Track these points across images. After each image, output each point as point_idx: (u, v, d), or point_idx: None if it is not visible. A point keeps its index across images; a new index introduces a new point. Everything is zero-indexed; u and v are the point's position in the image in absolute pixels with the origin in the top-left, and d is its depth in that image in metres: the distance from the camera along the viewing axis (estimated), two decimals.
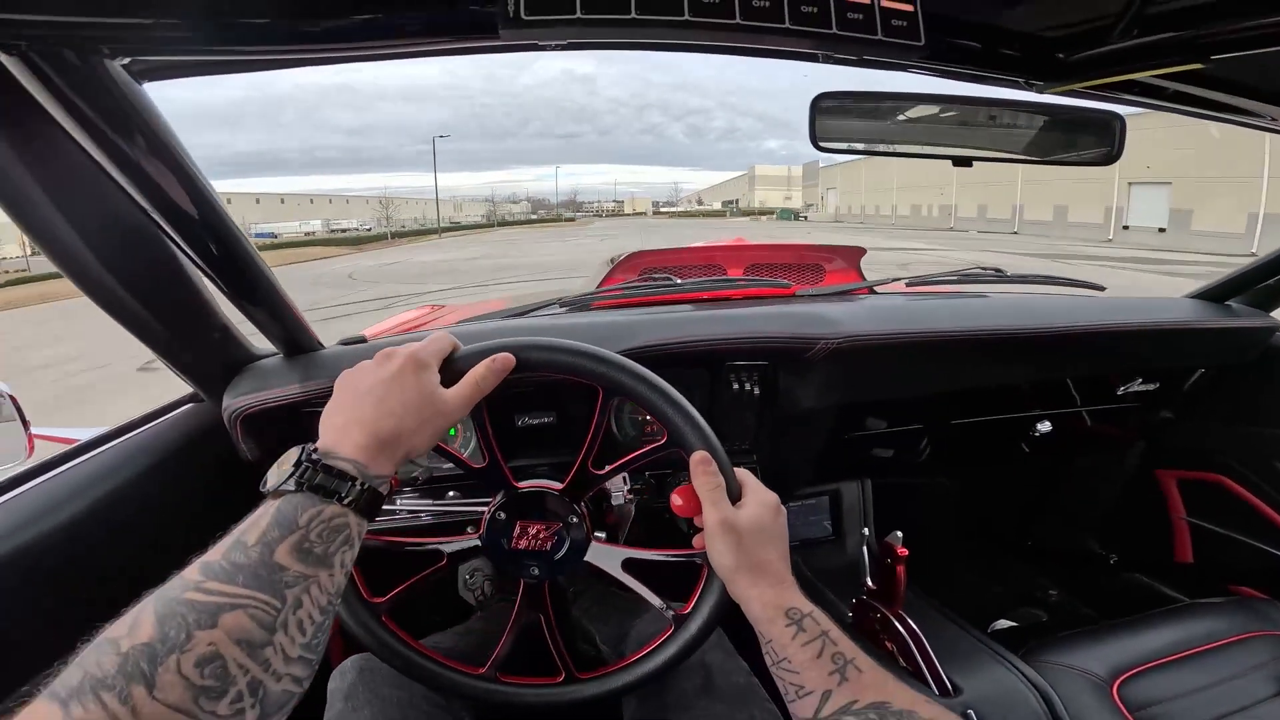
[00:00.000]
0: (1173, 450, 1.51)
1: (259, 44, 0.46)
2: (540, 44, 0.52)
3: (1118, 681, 0.97)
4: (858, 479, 1.58)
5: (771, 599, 0.59)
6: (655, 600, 0.74)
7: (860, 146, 0.80)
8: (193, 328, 0.85)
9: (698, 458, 0.66)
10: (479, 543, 0.75)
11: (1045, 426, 1.41)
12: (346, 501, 0.51)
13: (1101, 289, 1.34)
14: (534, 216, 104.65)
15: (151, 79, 0.54)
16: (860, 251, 1.65)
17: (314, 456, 0.52)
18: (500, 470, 0.74)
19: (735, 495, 0.66)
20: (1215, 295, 1.31)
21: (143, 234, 0.70)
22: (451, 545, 0.77)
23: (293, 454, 0.59)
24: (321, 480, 0.50)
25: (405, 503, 0.93)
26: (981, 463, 1.78)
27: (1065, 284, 1.35)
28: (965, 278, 1.39)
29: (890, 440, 1.45)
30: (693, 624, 0.72)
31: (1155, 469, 1.55)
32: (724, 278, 1.53)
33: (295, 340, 0.95)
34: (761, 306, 1.19)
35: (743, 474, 0.69)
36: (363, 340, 1.09)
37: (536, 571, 0.75)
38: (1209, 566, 1.48)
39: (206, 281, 0.80)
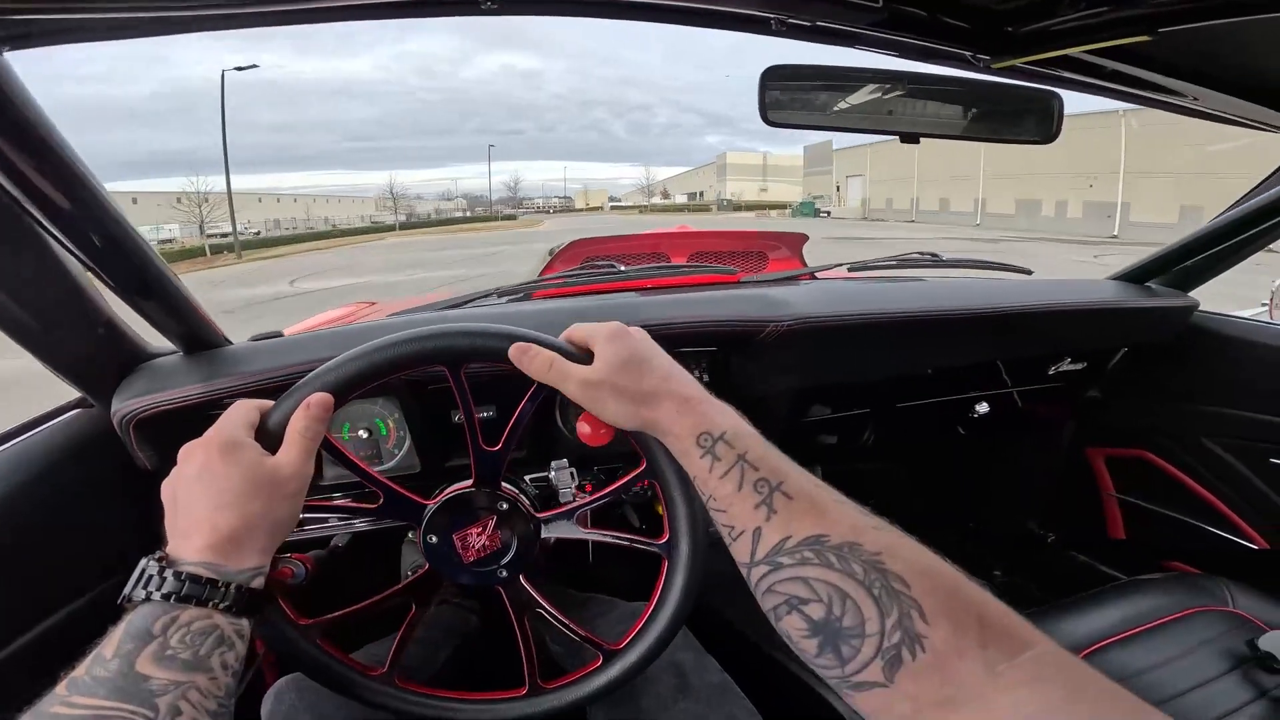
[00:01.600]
0: (1100, 428, 1.58)
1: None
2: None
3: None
4: (808, 467, 1.59)
5: (686, 427, 0.52)
6: (638, 538, 0.69)
7: (809, 121, 0.78)
8: (72, 324, 0.75)
9: (512, 353, 0.60)
10: (437, 572, 0.69)
11: (984, 408, 1.45)
12: (212, 604, 0.48)
13: (1029, 272, 1.38)
14: (454, 216, 78.66)
15: (14, 47, 0.47)
16: (803, 238, 1.66)
17: (159, 562, 0.48)
18: (401, 499, 0.68)
19: (578, 356, 0.60)
20: (1136, 276, 1.37)
21: (7, 220, 0.61)
22: (418, 590, 0.71)
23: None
24: (171, 587, 0.47)
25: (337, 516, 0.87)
26: (924, 447, 1.82)
27: (996, 268, 1.38)
28: (904, 262, 1.41)
29: (838, 426, 1.46)
30: (682, 544, 0.66)
31: (1085, 447, 1.61)
32: (668, 265, 1.50)
33: (197, 336, 0.86)
34: (708, 292, 1.17)
35: (579, 329, 0.62)
36: (278, 335, 0.99)
37: (505, 573, 0.70)
38: (1141, 543, 1.53)
39: (87, 273, 0.71)
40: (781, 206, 64.65)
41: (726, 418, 0.52)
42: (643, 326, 0.99)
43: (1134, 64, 0.73)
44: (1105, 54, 0.69)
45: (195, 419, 0.81)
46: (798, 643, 0.43)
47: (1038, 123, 0.80)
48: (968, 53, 0.69)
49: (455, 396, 0.64)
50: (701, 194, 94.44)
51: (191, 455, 0.53)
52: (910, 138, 0.79)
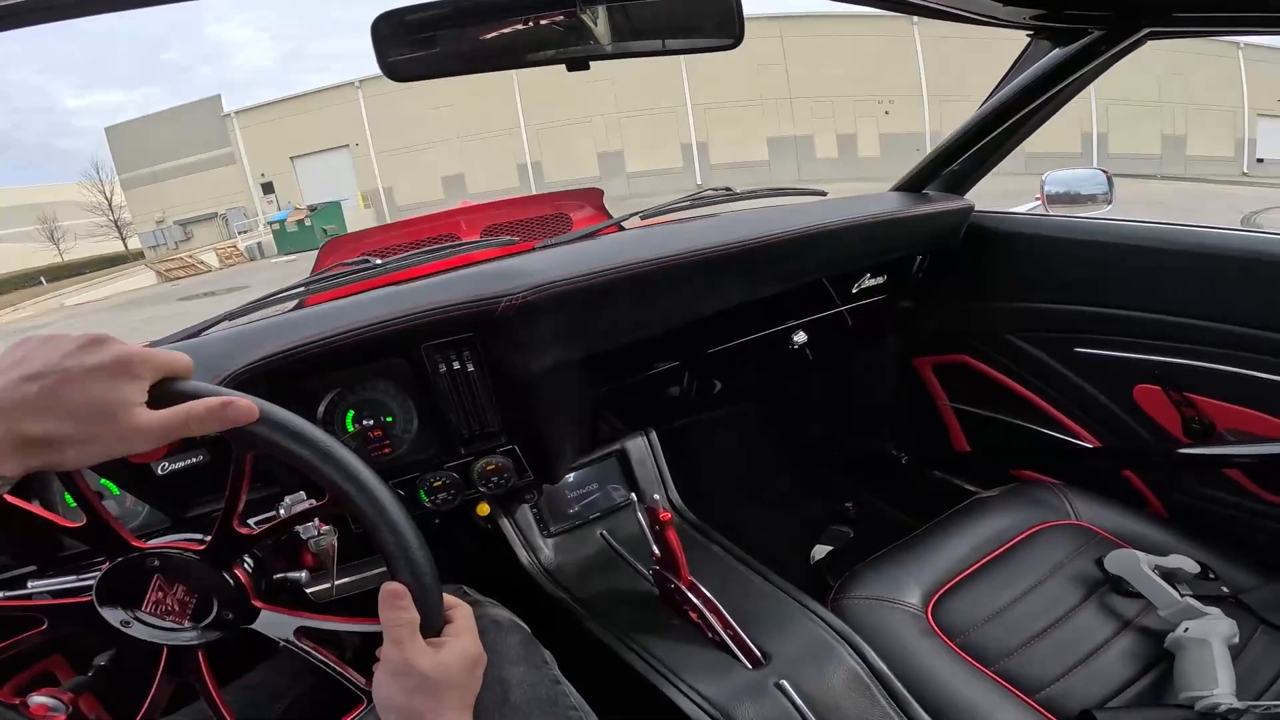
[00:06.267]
0: (920, 338, 1.58)
1: None
2: None
3: (930, 606, 0.96)
4: (641, 431, 1.52)
5: None
6: (345, 673, 0.62)
7: (447, 67, 0.66)
8: None
9: (390, 589, 0.55)
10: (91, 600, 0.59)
11: (801, 336, 1.41)
12: None
13: (823, 194, 1.34)
14: None
15: None
16: (600, 192, 1.56)
17: None
18: (106, 529, 0.58)
19: (435, 629, 0.57)
20: (912, 185, 1.36)
21: None
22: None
23: None
24: None
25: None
26: (765, 383, 1.79)
27: (790, 194, 1.34)
28: (698, 201, 1.34)
29: (660, 382, 1.40)
30: None
31: (911, 358, 1.62)
32: (453, 244, 1.37)
33: None
34: (457, 272, 1.05)
35: (459, 612, 0.60)
36: None
37: (198, 637, 0.60)
38: (986, 453, 1.55)
39: None
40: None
41: None
42: (361, 329, 0.88)
43: None
44: None
45: None
46: None
47: (718, 23, 0.71)
48: None
49: (231, 465, 0.57)
50: None
51: (99, 348, 0.46)
52: (578, 64, 0.69)
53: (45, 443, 0.44)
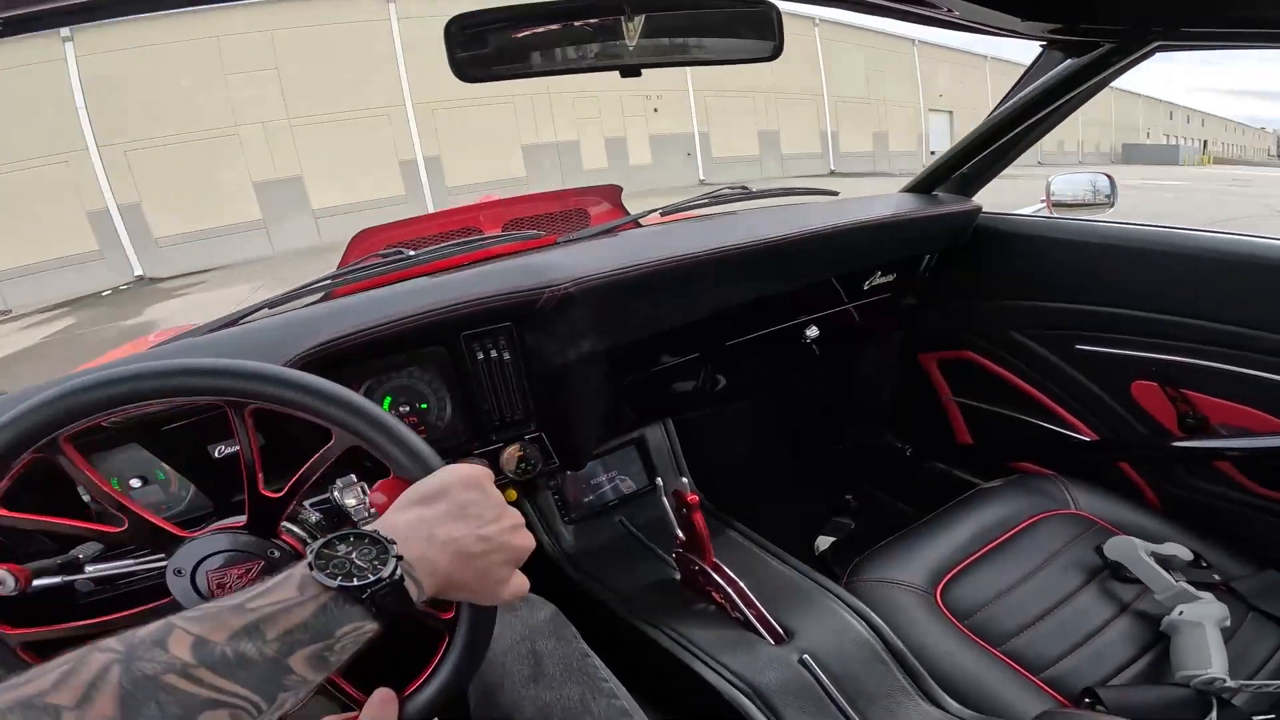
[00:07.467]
0: (925, 333, 1.63)
1: None
2: None
3: (939, 589, 1.00)
4: (659, 420, 1.56)
5: None
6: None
7: (512, 71, 0.70)
8: None
9: (384, 696, 0.57)
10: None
11: (813, 331, 1.46)
12: (383, 623, 0.45)
13: (835, 194, 1.38)
14: None
15: None
16: (618, 189, 1.60)
17: (397, 569, 0.45)
18: (147, 527, 0.60)
19: None
20: (923, 187, 1.41)
21: None
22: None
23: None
24: (393, 603, 0.45)
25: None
26: (777, 376, 1.84)
27: (803, 193, 1.38)
28: (716, 199, 1.38)
29: (679, 374, 1.44)
30: (464, 625, 0.61)
31: (917, 353, 1.67)
32: (479, 238, 1.40)
33: None
34: (495, 264, 1.09)
35: None
36: None
37: None
38: (988, 446, 1.60)
39: None
40: None
41: None
42: (405, 319, 0.92)
43: None
44: None
45: None
46: None
47: (758, 33, 0.75)
48: None
49: (235, 433, 0.61)
50: None
51: (520, 533, 0.54)
52: (630, 71, 0.73)
53: (459, 587, 0.51)
